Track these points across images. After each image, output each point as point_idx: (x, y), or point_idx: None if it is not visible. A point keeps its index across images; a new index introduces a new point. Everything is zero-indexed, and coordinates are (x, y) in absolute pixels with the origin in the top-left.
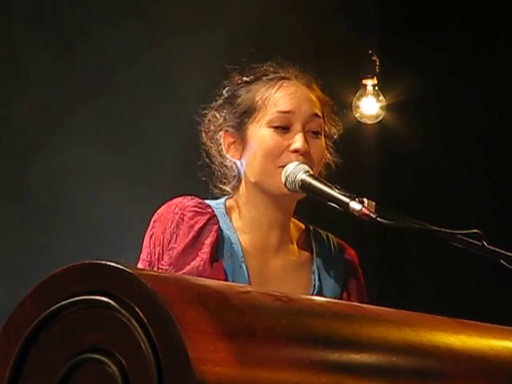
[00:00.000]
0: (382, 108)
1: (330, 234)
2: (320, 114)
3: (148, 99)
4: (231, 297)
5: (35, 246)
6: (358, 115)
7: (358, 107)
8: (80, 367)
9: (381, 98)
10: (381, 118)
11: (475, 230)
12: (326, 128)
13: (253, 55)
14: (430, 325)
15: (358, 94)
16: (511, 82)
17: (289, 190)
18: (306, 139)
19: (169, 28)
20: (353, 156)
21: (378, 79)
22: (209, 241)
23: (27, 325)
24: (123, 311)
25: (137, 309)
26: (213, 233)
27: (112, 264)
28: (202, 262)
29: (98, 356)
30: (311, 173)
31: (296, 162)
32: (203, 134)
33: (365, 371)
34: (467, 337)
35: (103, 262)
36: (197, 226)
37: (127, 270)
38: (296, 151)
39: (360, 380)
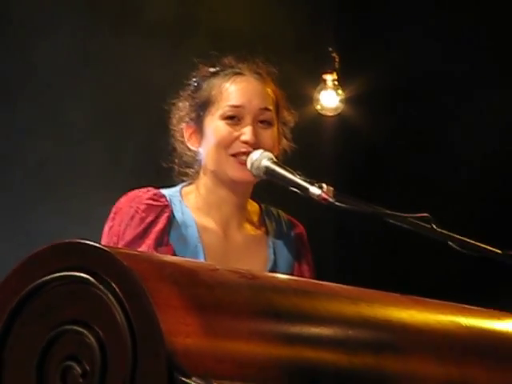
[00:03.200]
0: (341, 101)
1: (280, 212)
2: (271, 107)
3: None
4: (200, 274)
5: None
6: (318, 107)
7: (318, 100)
8: (60, 338)
9: (340, 91)
10: (340, 110)
11: (425, 214)
12: (282, 117)
13: (221, 50)
14: (384, 301)
15: (318, 88)
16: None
17: (254, 175)
18: (255, 130)
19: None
20: (314, 145)
21: (337, 74)
22: (157, 228)
23: (12, 298)
24: (100, 286)
25: (113, 284)
26: (162, 220)
27: (90, 243)
28: (147, 248)
29: (77, 328)
30: (275, 160)
31: (261, 150)
32: (173, 132)
33: (323, 343)
34: (417, 312)
35: (82, 241)
36: (148, 219)
37: (105, 248)
38: (245, 142)
39: (318, 351)
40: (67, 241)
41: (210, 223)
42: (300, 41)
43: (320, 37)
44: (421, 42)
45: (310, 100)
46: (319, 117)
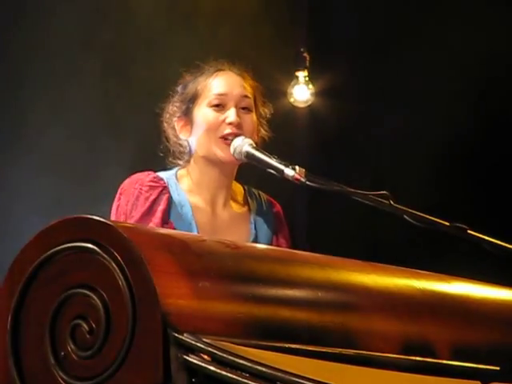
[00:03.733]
0: (311, 94)
1: (261, 192)
2: (250, 95)
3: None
4: (191, 244)
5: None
6: (292, 100)
7: (292, 94)
8: (70, 300)
9: (310, 86)
10: (310, 102)
11: (384, 192)
12: (260, 109)
13: (206, 57)
14: (349, 267)
15: (292, 83)
16: (428, 66)
17: (236, 158)
18: (238, 114)
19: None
20: (288, 133)
21: (308, 71)
22: (161, 208)
23: (28, 266)
24: (104, 255)
25: (115, 253)
26: (164, 201)
27: (96, 217)
28: (154, 225)
29: (84, 291)
30: (254, 145)
31: (242, 137)
32: (163, 123)
33: (297, 304)
34: (377, 276)
35: (89, 216)
36: (151, 198)
37: (108, 222)
38: (230, 123)
39: (293, 311)
40: (76, 216)
41: (200, 203)
42: (275, 42)
43: (293, 38)
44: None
45: (284, 94)
46: (293, 108)
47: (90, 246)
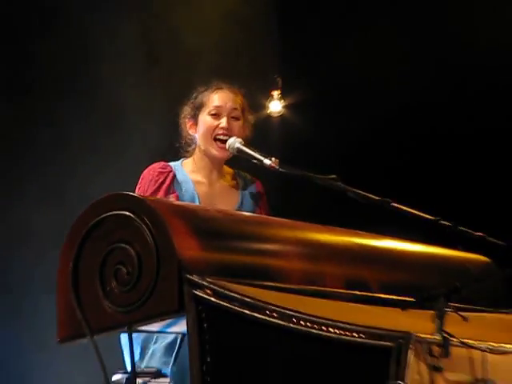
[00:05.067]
0: (283, 107)
1: (247, 174)
2: (238, 108)
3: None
4: (198, 212)
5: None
6: (268, 111)
7: (268, 107)
8: (113, 251)
9: (282, 101)
10: (282, 113)
11: (334, 176)
12: (246, 117)
13: (206, 78)
14: (310, 228)
15: (268, 100)
16: (402, 76)
17: (230, 152)
18: (229, 121)
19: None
20: (265, 135)
21: (280, 91)
22: (165, 185)
23: (84, 227)
24: (137, 219)
25: (145, 218)
26: (168, 179)
27: (131, 194)
28: (159, 196)
29: (123, 245)
30: (243, 143)
31: (234, 137)
32: (180, 120)
33: (272, 254)
34: (329, 235)
35: (127, 193)
36: (160, 180)
37: (140, 196)
38: (222, 128)
39: (269, 259)
40: (117, 192)
41: (200, 179)
42: (258, 70)
43: (269, 67)
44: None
45: (263, 107)
46: (268, 118)
47: (127, 213)
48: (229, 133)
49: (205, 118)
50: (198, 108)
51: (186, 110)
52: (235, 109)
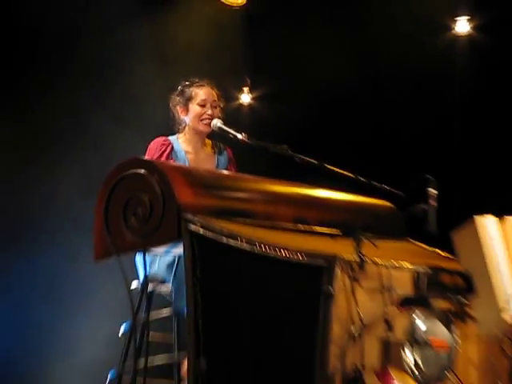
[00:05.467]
0: (251, 99)
1: (221, 144)
2: (217, 99)
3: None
4: (191, 170)
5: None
6: (240, 102)
7: (240, 98)
8: (133, 198)
9: (250, 94)
10: (251, 103)
11: (285, 146)
12: (221, 106)
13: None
14: (269, 181)
15: (240, 93)
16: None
17: (213, 130)
18: (212, 109)
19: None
20: (238, 119)
21: (249, 87)
22: (166, 153)
23: (113, 180)
24: (149, 176)
25: (155, 175)
26: (168, 149)
27: (145, 158)
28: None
29: (140, 193)
30: (222, 123)
31: (217, 119)
32: (171, 107)
33: (244, 200)
34: (282, 186)
35: (142, 157)
36: (162, 149)
37: (151, 160)
38: (208, 114)
39: (243, 203)
40: (136, 157)
41: (189, 149)
42: (230, 68)
43: (241, 67)
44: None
45: (236, 98)
46: (240, 107)
47: (142, 171)
48: (212, 117)
49: (194, 107)
50: (188, 99)
51: (176, 99)
52: (214, 100)
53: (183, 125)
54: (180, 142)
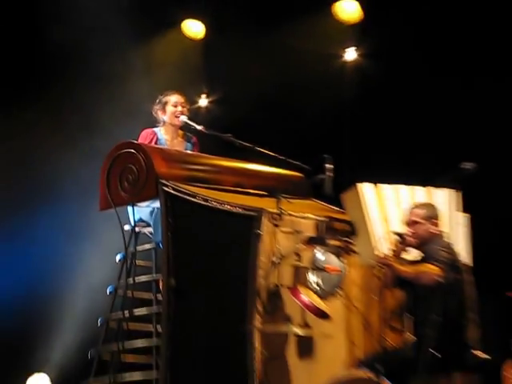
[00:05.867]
0: (208, 103)
1: (189, 134)
2: (184, 102)
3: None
4: (165, 150)
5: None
6: (199, 105)
7: (199, 103)
8: (126, 169)
9: (207, 100)
10: (207, 107)
11: (229, 134)
12: (186, 105)
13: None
14: (224, 159)
15: (200, 99)
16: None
17: (185, 122)
18: (181, 109)
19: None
20: (198, 116)
21: (207, 95)
22: (152, 142)
23: (113, 156)
24: (137, 153)
25: (141, 153)
26: (154, 138)
27: (135, 141)
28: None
29: (130, 165)
30: (187, 118)
31: (184, 116)
32: (154, 110)
33: (210, 171)
34: (230, 162)
35: (133, 141)
36: (148, 139)
37: (140, 143)
38: (179, 112)
39: (209, 174)
40: (128, 140)
41: (167, 137)
42: (193, 81)
43: (200, 79)
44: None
45: (197, 102)
46: (199, 108)
47: (132, 150)
48: (181, 114)
49: (169, 108)
50: (165, 104)
51: (157, 106)
52: (183, 102)
53: (162, 121)
54: (162, 133)
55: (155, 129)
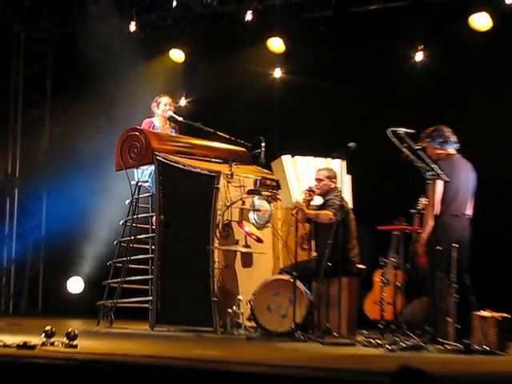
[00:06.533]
0: (187, 102)
1: (173, 123)
2: (172, 101)
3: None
4: (159, 133)
5: None
6: (180, 104)
7: (179, 103)
8: (132, 144)
9: (185, 100)
10: (186, 106)
11: (199, 123)
12: (173, 104)
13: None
14: (194, 138)
15: (180, 100)
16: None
17: (171, 115)
18: (169, 107)
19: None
20: (180, 112)
21: (185, 97)
22: (151, 127)
23: (125, 135)
24: (140, 135)
25: (143, 135)
26: (152, 125)
27: (139, 127)
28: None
29: (135, 142)
30: (172, 113)
31: (171, 111)
32: (152, 108)
33: (184, 147)
34: (199, 141)
35: (138, 127)
36: (148, 125)
37: (141, 128)
38: (168, 109)
39: (184, 148)
40: (135, 127)
41: (160, 125)
42: (176, 88)
43: (181, 87)
44: None
45: (179, 102)
46: (180, 107)
47: (137, 132)
48: (169, 110)
49: (161, 106)
50: (159, 103)
51: (153, 104)
52: (171, 102)
53: (157, 114)
54: (157, 122)
55: (152, 119)
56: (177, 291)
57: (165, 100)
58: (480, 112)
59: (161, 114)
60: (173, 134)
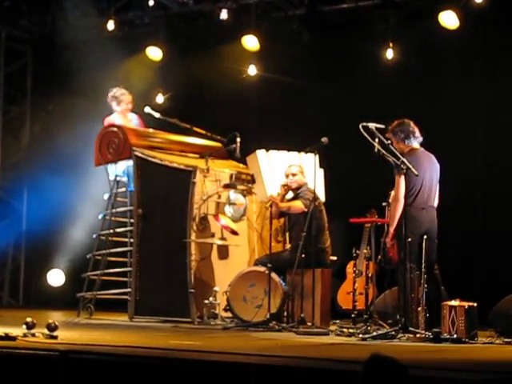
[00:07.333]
0: (164, 100)
1: (132, 116)
2: (131, 99)
3: None
4: (136, 130)
5: None
6: (156, 102)
7: (156, 100)
8: (110, 140)
9: (163, 97)
10: (164, 103)
11: (176, 118)
12: (134, 101)
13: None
14: (167, 134)
15: (157, 97)
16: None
17: (148, 113)
18: (131, 104)
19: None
20: (158, 108)
21: (162, 94)
22: (116, 123)
23: (103, 131)
24: (118, 131)
25: (121, 131)
26: (116, 122)
27: (118, 124)
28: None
29: (114, 138)
30: (150, 110)
31: (149, 108)
32: (108, 102)
33: (159, 142)
34: (179, 136)
35: (116, 123)
36: (112, 122)
37: (119, 125)
38: (130, 107)
39: (157, 143)
40: (112, 123)
41: (121, 122)
42: (156, 88)
43: (159, 85)
44: None
45: (155, 100)
46: (157, 104)
47: (115, 129)
48: (130, 109)
49: (124, 105)
50: (120, 102)
51: (111, 100)
52: (131, 100)
53: (116, 110)
54: (118, 120)
55: (113, 117)
56: (155, 283)
57: (127, 99)
58: (450, 107)
59: (121, 111)
60: (150, 130)
